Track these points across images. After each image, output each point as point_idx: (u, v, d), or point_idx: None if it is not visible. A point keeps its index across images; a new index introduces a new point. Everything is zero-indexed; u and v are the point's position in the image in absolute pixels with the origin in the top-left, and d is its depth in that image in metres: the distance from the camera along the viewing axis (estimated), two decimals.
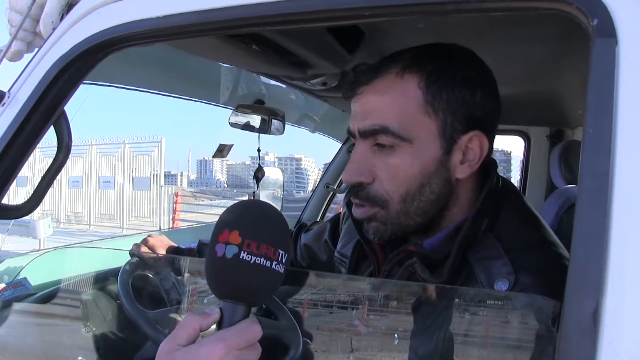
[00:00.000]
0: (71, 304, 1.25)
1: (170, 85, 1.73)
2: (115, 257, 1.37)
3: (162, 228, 11.82)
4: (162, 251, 1.26)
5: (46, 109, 0.90)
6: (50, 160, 0.97)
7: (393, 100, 0.81)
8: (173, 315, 1.03)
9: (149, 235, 1.30)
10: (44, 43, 0.92)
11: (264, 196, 2.43)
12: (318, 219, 2.61)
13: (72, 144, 0.97)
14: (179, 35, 0.84)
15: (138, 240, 1.30)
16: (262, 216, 0.61)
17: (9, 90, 0.93)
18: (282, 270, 0.60)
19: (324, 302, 0.89)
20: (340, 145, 2.57)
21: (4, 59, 0.99)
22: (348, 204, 0.96)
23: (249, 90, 1.89)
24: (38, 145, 0.94)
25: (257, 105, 1.93)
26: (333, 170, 2.59)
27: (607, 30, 0.53)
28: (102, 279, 1.31)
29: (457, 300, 0.72)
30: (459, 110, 0.81)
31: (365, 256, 0.97)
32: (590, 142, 0.52)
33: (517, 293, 0.71)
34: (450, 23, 1.09)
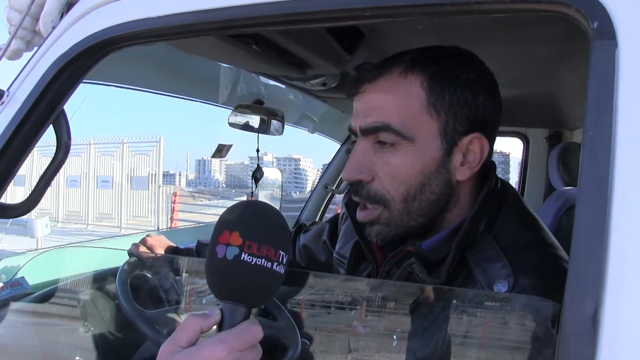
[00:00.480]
0: (69, 303, 1.25)
1: (170, 85, 1.73)
2: (113, 256, 1.37)
3: (160, 228, 11.81)
4: (160, 251, 1.26)
5: (45, 108, 0.90)
6: (49, 160, 0.97)
7: (396, 99, 0.82)
8: (171, 315, 1.03)
9: (147, 235, 1.30)
10: (44, 42, 0.92)
11: (262, 196, 2.43)
12: (317, 220, 2.61)
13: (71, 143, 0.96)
14: (180, 35, 0.83)
15: (136, 240, 1.29)
16: (263, 217, 0.61)
17: (8, 89, 0.92)
18: (282, 271, 0.60)
19: (323, 303, 0.89)
20: (339, 145, 2.56)
21: (3, 58, 0.99)
22: (347, 205, 0.96)
23: (249, 91, 1.89)
24: (36, 144, 0.94)
25: (256, 106, 1.93)
26: (332, 171, 2.59)
27: (607, 32, 0.53)
28: (100, 279, 1.31)
29: (456, 301, 0.72)
30: (460, 112, 0.81)
31: (363, 257, 0.97)
32: (590, 144, 0.52)
33: (517, 295, 0.71)
34: (450, 25, 1.09)
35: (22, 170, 0.96)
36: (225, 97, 1.83)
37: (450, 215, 0.86)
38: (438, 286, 0.76)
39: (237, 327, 0.58)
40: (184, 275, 1.17)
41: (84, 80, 0.93)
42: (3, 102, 0.91)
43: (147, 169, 13.64)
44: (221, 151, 2.13)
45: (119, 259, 1.13)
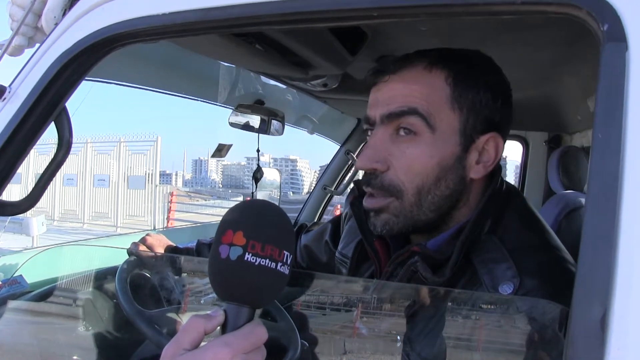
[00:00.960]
0: (67, 302, 1.24)
1: (172, 83, 1.72)
2: (112, 255, 1.36)
3: (156, 227, 11.79)
4: (160, 250, 1.25)
5: (47, 104, 0.89)
6: (45, 158, 0.97)
7: (421, 89, 0.82)
8: (171, 314, 1.02)
9: (147, 234, 1.29)
10: (46, 38, 0.91)
11: (260, 197, 2.42)
12: (315, 221, 2.61)
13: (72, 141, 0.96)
14: (184, 33, 0.83)
15: (136, 239, 1.29)
16: (267, 217, 0.60)
17: (9, 85, 0.92)
18: (287, 271, 0.59)
19: (325, 304, 0.89)
20: (339, 147, 2.56)
21: (5, 54, 0.98)
22: (352, 204, 0.95)
23: (249, 90, 1.89)
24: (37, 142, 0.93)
25: (257, 106, 1.92)
26: (331, 172, 2.59)
27: (617, 35, 0.53)
28: (99, 278, 1.30)
29: (461, 303, 0.71)
30: (481, 112, 0.83)
31: (366, 257, 0.97)
32: (599, 147, 0.52)
33: (523, 297, 0.71)
34: (453, 26, 1.09)
35: (19, 168, 0.95)
36: (227, 97, 1.83)
37: (458, 214, 0.86)
38: (442, 288, 0.76)
39: (242, 329, 0.57)
40: (184, 274, 1.17)
41: (86, 78, 0.93)
42: (5, 99, 0.91)
43: (143, 168, 13.62)
44: (221, 151, 2.13)
45: (118, 258, 1.12)
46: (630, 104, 0.51)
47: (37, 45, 0.96)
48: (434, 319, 0.74)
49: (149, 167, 13.56)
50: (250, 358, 0.55)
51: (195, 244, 1.36)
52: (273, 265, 0.57)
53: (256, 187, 2.08)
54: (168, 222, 12.48)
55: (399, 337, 0.78)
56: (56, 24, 0.92)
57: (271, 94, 1.97)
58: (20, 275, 1.31)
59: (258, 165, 2.06)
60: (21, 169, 0.96)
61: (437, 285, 0.77)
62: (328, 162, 2.65)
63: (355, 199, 0.94)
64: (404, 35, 1.20)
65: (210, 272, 0.59)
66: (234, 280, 0.57)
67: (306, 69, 1.40)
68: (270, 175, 2.56)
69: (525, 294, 0.72)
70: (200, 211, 14.30)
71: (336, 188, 2.58)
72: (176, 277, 1.20)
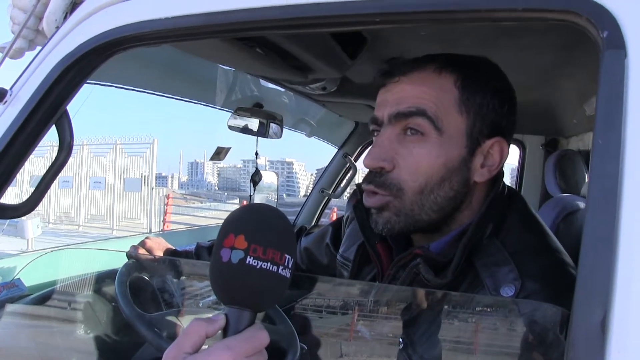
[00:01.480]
0: (66, 306, 1.24)
1: (172, 86, 1.72)
2: (111, 259, 1.36)
3: (152, 230, 11.75)
4: (159, 253, 1.25)
5: (48, 108, 0.89)
6: (40, 160, 0.97)
7: (430, 91, 0.83)
8: (171, 318, 1.02)
9: (146, 237, 1.29)
10: (48, 41, 0.91)
11: (258, 200, 2.42)
12: (313, 224, 2.61)
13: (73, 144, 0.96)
14: (185, 37, 0.83)
15: (133, 242, 1.29)
16: (269, 220, 0.60)
17: (10, 88, 0.91)
18: (288, 275, 0.59)
19: (325, 307, 0.89)
20: (336, 150, 2.57)
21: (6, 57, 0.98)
22: (355, 207, 0.96)
23: (248, 94, 1.89)
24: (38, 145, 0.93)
25: (255, 109, 1.93)
26: (328, 175, 2.59)
27: (617, 42, 0.54)
28: (98, 281, 1.30)
29: (463, 305, 0.72)
30: (487, 116, 0.84)
31: (368, 260, 0.97)
32: (599, 153, 0.52)
33: (525, 300, 0.71)
34: (452, 31, 1.10)
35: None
36: (225, 100, 1.83)
37: (460, 216, 0.87)
38: (444, 291, 0.76)
39: (243, 333, 0.57)
40: (183, 278, 1.17)
41: (89, 82, 0.93)
42: (6, 102, 0.91)
43: (140, 170, 13.57)
44: (220, 154, 2.13)
45: (117, 261, 1.12)
46: (629, 110, 0.52)
47: (38, 48, 0.96)
48: (436, 321, 0.74)
49: (145, 169, 13.52)
50: None
51: (194, 247, 1.36)
52: (275, 268, 0.57)
53: (254, 190, 2.08)
54: (164, 224, 12.44)
55: (401, 340, 0.78)
56: (57, 27, 0.92)
57: (270, 97, 1.97)
58: (19, 278, 1.31)
59: (256, 168, 2.06)
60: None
61: (440, 287, 0.78)
62: (324, 165, 2.65)
63: (358, 201, 0.95)
64: (404, 39, 1.21)
65: (211, 275, 0.59)
66: (236, 283, 0.57)
67: (306, 73, 1.41)
68: (268, 178, 2.57)
69: (527, 296, 0.72)
70: (196, 214, 14.27)
71: (334, 191, 2.58)
72: (176, 280, 1.20)
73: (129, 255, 1.16)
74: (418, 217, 0.84)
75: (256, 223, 0.59)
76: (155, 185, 14.15)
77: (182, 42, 1.05)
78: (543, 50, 1.20)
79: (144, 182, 13.29)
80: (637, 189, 0.51)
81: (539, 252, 0.81)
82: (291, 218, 2.70)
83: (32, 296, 1.30)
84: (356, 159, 2.50)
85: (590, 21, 0.56)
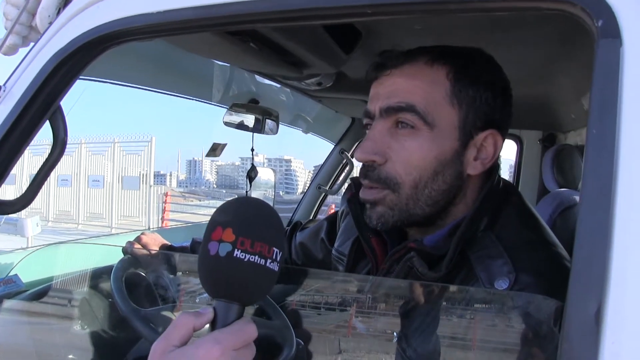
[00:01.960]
0: (63, 301, 1.23)
1: (166, 82, 1.72)
2: (107, 254, 1.35)
3: (151, 228, 11.75)
4: (155, 249, 1.25)
5: (42, 103, 0.89)
6: (40, 159, 0.96)
7: (421, 84, 0.82)
8: (166, 313, 1.02)
9: (142, 233, 1.29)
10: (41, 37, 0.91)
11: (255, 196, 2.42)
12: (310, 219, 2.61)
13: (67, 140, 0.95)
14: (178, 31, 0.83)
15: (131, 238, 1.28)
16: (257, 213, 0.60)
17: (4, 84, 0.91)
18: (276, 268, 0.59)
19: (320, 302, 0.89)
20: (333, 146, 2.56)
21: None
22: (349, 200, 0.96)
23: (244, 90, 1.89)
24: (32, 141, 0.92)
25: (251, 105, 1.92)
26: (325, 172, 2.59)
27: (612, 31, 0.53)
28: (94, 277, 1.30)
29: (457, 298, 0.72)
30: (480, 109, 0.83)
31: (363, 255, 0.97)
32: (593, 143, 0.52)
33: (519, 292, 0.71)
34: (447, 25, 1.09)
35: (13, 169, 0.95)
36: (221, 96, 1.83)
37: (454, 210, 0.86)
38: (439, 283, 0.76)
39: (231, 326, 0.57)
40: (179, 273, 1.16)
41: (80, 77, 0.92)
42: None
43: (138, 168, 13.57)
44: (215, 150, 2.12)
45: (114, 257, 1.12)
46: (624, 100, 0.52)
47: (32, 44, 0.96)
48: (430, 314, 0.74)
49: (143, 167, 13.52)
50: (239, 355, 0.56)
51: (190, 242, 1.35)
52: (262, 261, 0.57)
53: (250, 186, 2.07)
54: (162, 222, 12.44)
55: (395, 334, 0.78)
56: (50, 23, 0.91)
57: (266, 93, 1.97)
58: (16, 274, 1.30)
59: (252, 164, 2.06)
60: (15, 170, 0.95)
61: (434, 281, 0.78)
62: (322, 162, 2.65)
63: (352, 196, 0.94)
64: (398, 33, 1.20)
65: (199, 268, 0.59)
66: (223, 276, 0.57)
67: (300, 68, 1.40)
68: (265, 174, 2.56)
69: (521, 289, 0.72)
70: (194, 211, 14.27)
71: (331, 187, 2.58)
72: (171, 275, 1.20)
73: (124, 251, 1.15)
74: (413, 211, 0.83)
75: (244, 216, 0.59)
76: (154, 184, 14.16)
77: (174, 37, 1.05)
78: (538, 44, 1.19)
79: (142, 181, 13.29)
80: (633, 180, 0.50)
81: (534, 246, 0.81)
82: (289, 215, 2.71)
83: (29, 292, 1.30)
84: (353, 155, 2.49)
85: (585, 10, 0.55)
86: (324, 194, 2.63)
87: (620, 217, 0.50)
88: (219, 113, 1.93)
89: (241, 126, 1.92)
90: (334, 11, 0.68)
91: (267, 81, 1.77)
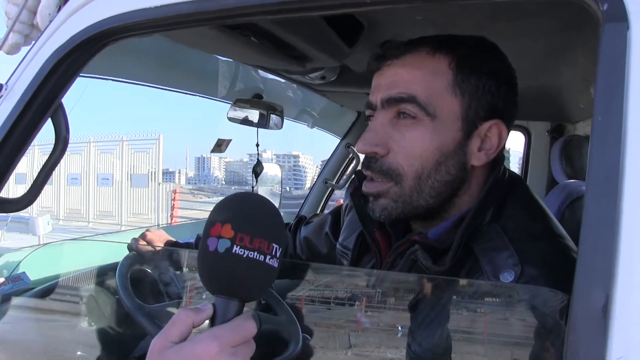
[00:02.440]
0: (70, 298, 1.24)
1: (168, 79, 1.72)
2: (113, 251, 1.36)
3: (160, 225, 11.81)
4: (160, 245, 1.25)
5: (43, 101, 0.89)
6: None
7: (423, 75, 0.82)
8: (172, 309, 1.02)
9: (147, 230, 1.29)
10: (41, 34, 0.91)
11: (262, 192, 2.42)
12: (312, 214, 2.60)
13: (70, 141, 0.95)
14: (176, 25, 0.82)
15: (136, 235, 1.28)
16: (256, 209, 0.60)
17: (6, 83, 0.91)
18: (276, 264, 0.58)
19: (325, 296, 0.88)
20: (339, 141, 2.55)
21: (1, 52, 0.98)
22: (352, 194, 0.95)
23: (247, 85, 1.88)
24: (37, 143, 0.93)
25: (255, 100, 1.92)
26: (331, 166, 2.58)
27: (618, 14, 0.52)
28: (100, 274, 1.30)
29: (462, 292, 0.71)
30: (483, 98, 0.82)
31: (368, 249, 0.96)
32: (599, 131, 0.51)
33: (524, 285, 0.70)
34: (448, 16, 1.07)
35: (23, 168, 0.95)
36: (224, 91, 1.83)
37: (459, 202, 0.85)
38: (443, 277, 0.75)
39: (230, 322, 0.57)
40: (184, 269, 1.16)
41: (82, 74, 0.92)
42: (1, 96, 0.90)
43: (146, 166, 13.65)
44: (220, 146, 2.12)
45: (120, 254, 1.12)
46: (631, 85, 0.50)
47: (33, 42, 0.96)
48: (435, 308, 0.73)
49: (151, 165, 13.59)
50: (238, 351, 0.55)
51: (194, 239, 1.35)
52: (262, 258, 0.57)
53: (256, 182, 2.07)
54: (171, 219, 12.51)
55: (400, 328, 0.77)
56: (51, 21, 0.91)
57: (270, 88, 1.96)
58: (24, 272, 1.31)
59: (258, 159, 2.05)
60: (26, 169, 0.96)
61: (438, 274, 0.77)
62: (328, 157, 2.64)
63: (356, 189, 0.94)
64: (401, 25, 1.19)
65: (199, 265, 0.59)
66: (222, 273, 0.57)
67: (303, 62, 1.40)
68: (272, 170, 2.56)
69: (527, 282, 0.71)
70: (203, 208, 14.33)
71: (337, 182, 2.57)
72: (176, 272, 1.20)
73: (129, 248, 1.16)
74: (416, 203, 0.83)
75: (243, 212, 0.59)
76: (162, 181, 14.23)
77: (174, 32, 1.04)
78: (542, 34, 1.17)
79: (151, 178, 13.37)
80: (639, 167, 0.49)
81: (540, 238, 0.80)
82: (297, 210, 2.70)
83: (36, 289, 1.30)
84: (359, 140, 2.48)
85: None
86: (330, 188, 2.62)
87: (627, 206, 0.49)
88: (226, 109, 1.92)
89: (245, 121, 1.92)
90: (331, 2, 0.67)
91: (270, 76, 1.77)
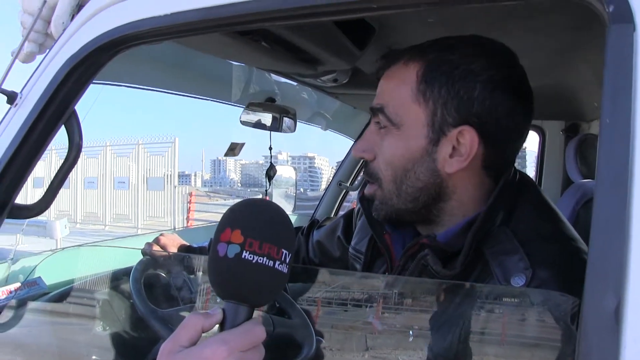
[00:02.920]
0: (85, 302, 1.26)
1: (180, 84, 1.73)
2: (128, 256, 1.37)
3: (176, 228, 11.90)
4: (174, 250, 1.26)
5: (57, 108, 0.90)
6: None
7: (394, 86, 0.85)
8: (184, 313, 1.03)
9: (160, 234, 1.30)
10: (54, 43, 0.92)
11: (277, 194, 2.43)
12: (325, 217, 2.60)
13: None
14: (186, 33, 0.83)
15: (151, 239, 1.30)
16: (265, 215, 0.60)
17: (21, 91, 0.93)
18: (285, 270, 0.59)
19: (338, 300, 0.88)
20: (353, 142, 2.55)
21: (16, 61, 0.99)
22: (361, 199, 0.96)
23: (260, 88, 1.89)
24: (54, 147, 0.94)
25: (268, 103, 1.93)
26: (346, 168, 2.57)
27: (624, 16, 0.51)
28: (115, 278, 1.32)
29: (472, 296, 0.70)
30: (450, 103, 0.80)
31: (380, 252, 0.96)
32: (607, 132, 0.50)
33: (535, 289, 0.69)
34: (460, 17, 1.07)
35: (41, 172, 0.97)
36: (237, 95, 1.83)
37: (449, 207, 0.85)
38: (454, 281, 0.74)
39: (239, 327, 0.57)
40: (198, 273, 1.17)
41: (94, 81, 0.94)
42: (17, 104, 0.92)
43: (162, 169, 13.76)
44: (234, 149, 2.14)
45: (135, 259, 1.13)
46: (638, 87, 0.50)
47: (48, 51, 0.97)
48: (444, 313, 0.73)
49: (167, 168, 13.71)
50: (247, 356, 0.55)
51: (208, 243, 1.36)
52: (271, 263, 0.57)
53: (269, 184, 2.08)
54: (187, 222, 12.59)
55: (411, 332, 0.77)
56: (65, 30, 0.93)
57: (282, 91, 1.97)
58: (39, 277, 1.33)
59: (271, 162, 2.06)
60: (43, 173, 0.97)
61: (448, 278, 0.76)
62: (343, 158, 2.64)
63: (365, 195, 0.94)
64: (412, 27, 1.19)
65: (209, 270, 0.59)
66: (232, 278, 0.57)
67: (315, 65, 1.40)
68: (286, 172, 2.56)
69: (538, 286, 0.70)
70: (219, 211, 14.41)
71: (351, 184, 2.57)
72: (190, 276, 1.21)
73: (143, 252, 1.17)
74: (397, 206, 0.86)
75: (253, 218, 0.59)
76: (178, 184, 14.33)
77: (184, 38, 1.05)
78: (553, 32, 1.16)
79: (167, 181, 13.47)
80: None
81: (551, 240, 0.78)
82: (312, 212, 2.70)
83: (52, 294, 1.32)
84: None
85: None
86: (345, 190, 2.62)
87: (638, 207, 0.48)
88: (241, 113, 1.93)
89: (258, 125, 1.93)
90: (337, 7, 0.67)
91: (283, 79, 1.77)
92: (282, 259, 0.58)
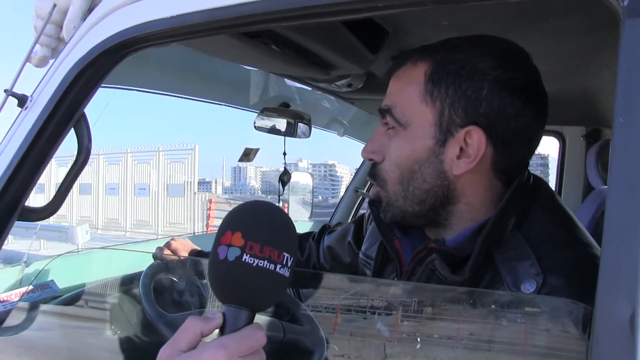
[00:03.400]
0: (96, 306, 1.26)
1: (193, 88, 1.73)
2: (141, 260, 1.37)
3: (195, 233, 11.99)
4: (184, 254, 1.26)
5: (66, 111, 0.91)
6: (65, 170, 0.98)
7: (402, 86, 0.84)
8: None
9: (171, 239, 1.30)
10: (64, 47, 0.93)
11: (293, 201, 2.42)
12: (336, 222, 2.59)
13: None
14: (193, 35, 0.83)
15: (162, 244, 1.30)
16: (267, 217, 0.59)
17: (31, 95, 0.94)
18: (287, 274, 0.57)
19: (350, 307, 0.86)
20: None
21: (27, 64, 1.00)
22: (370, 203, 0.95)
23: (274, 93, 1.89)
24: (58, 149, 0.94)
25: (282, 109, 1.92)
26: (362, 175, 2.56)
27: (639, 10, 0.49)
28: (126, 282, 1.32)
29: (480, 302, 0.68)
30: (457, 103, 0.78)
31: (390, 257, 0.95)
32: (621, 132, 0.48)
33: (545, 296, 0.67)
34: (473, 19, 1.05)
35: (41, 179, 0.98)
36: (251, 100, 1.84)
37: (457, 210, 0.83)
38: (462, 287, 0.72)
39: (239, 332, 0.56)
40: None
41: (105, 85, 0.94)
42: (27, 107, 0.93)
43: (182, 176, 13.90)
44: (248, 155, 2.14)
45: (147, 263, 1.13)
46: None
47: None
48: (451, 320, 0.70)
49: (188, 175, 13.83)
50: None
51: None
52: (272, 267, 0.56)
53: (283, 190, 2.08)
54: (207, 228, 12.68)
55: (419, 339, 0.75)
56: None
57: (297, 96, 1.96)
58: (52, 279, 1.34)
59: (285, 167, 2.06)
60: (43, 179, 0.98)
61: (457, 284, 0.74)
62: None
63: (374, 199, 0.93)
64: (425, 30, 1.17)
65: (209, 273, 0.58)
66: (232, 281, 0.56)
67: (327, 69, 1.39)
68: (303, 179, 2.56)
69: (549, 292, 0.67)
70: None
71: (368, 190, 2.56)
72: (202, 280, 1.20)
73: (154, 257, 1.17)
74: (403, 208, 0.85)
75: (254, 220, 0.58)
76: (198, 191, 14.45)
77: (193, 41, 1.05)
78: (569, 35, 1.13)
79: (187, 188, 13.60)
80: None
81: (564, 246, 0.76)
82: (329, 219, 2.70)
83: (63, 297, 1.33)
84: None
85: None
86: (361, 197, 2.61)
87: None
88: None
89: (273, 130, 1.93)
90: (343, 7, 0.66)
91: (297, 84, 1.77)
92: (284, 262, 0.57)
